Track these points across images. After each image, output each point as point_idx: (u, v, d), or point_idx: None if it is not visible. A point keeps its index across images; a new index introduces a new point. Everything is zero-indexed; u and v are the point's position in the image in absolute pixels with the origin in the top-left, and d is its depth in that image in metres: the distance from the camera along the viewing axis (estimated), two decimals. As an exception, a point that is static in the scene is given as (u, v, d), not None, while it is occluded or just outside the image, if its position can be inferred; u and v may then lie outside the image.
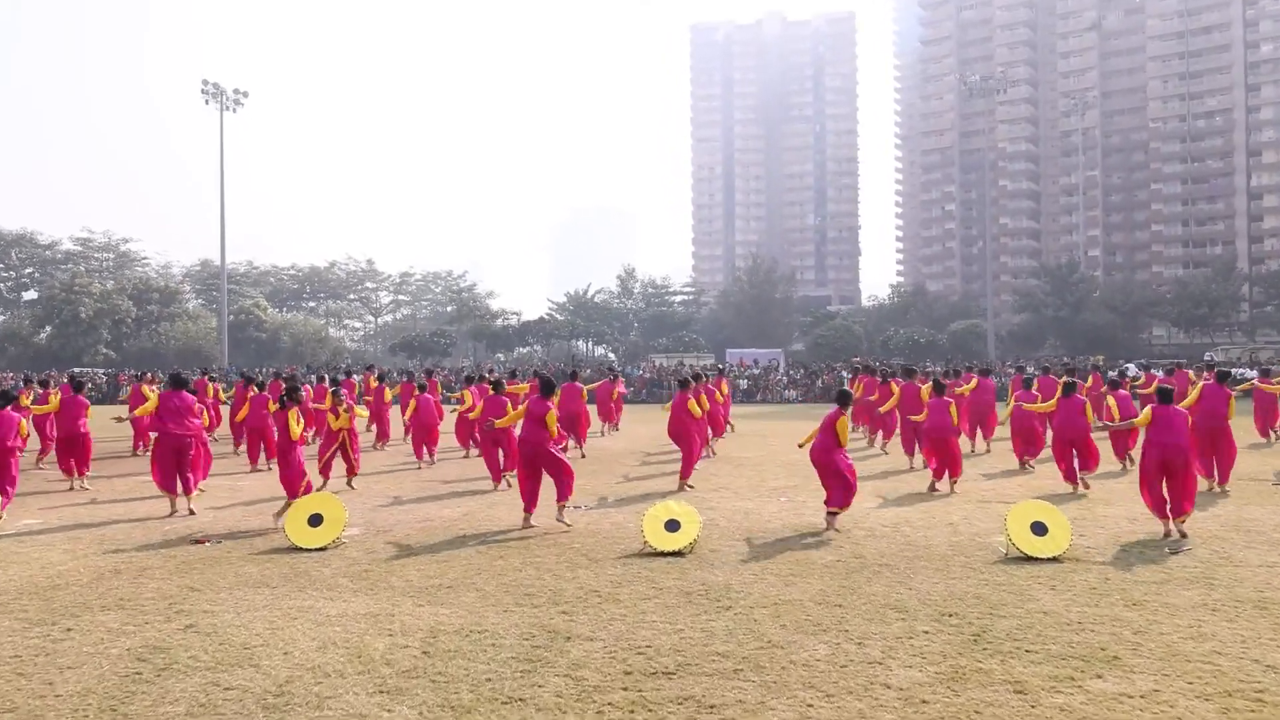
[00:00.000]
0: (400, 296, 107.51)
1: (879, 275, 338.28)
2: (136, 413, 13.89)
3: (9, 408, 11.47)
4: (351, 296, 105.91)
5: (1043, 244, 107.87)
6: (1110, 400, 14.93)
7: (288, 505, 10.12)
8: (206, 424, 13.65)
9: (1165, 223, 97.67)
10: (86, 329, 69.00)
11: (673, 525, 8.88)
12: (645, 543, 8.84)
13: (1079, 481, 12.72)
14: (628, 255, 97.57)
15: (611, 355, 78.89)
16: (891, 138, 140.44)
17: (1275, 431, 19.10)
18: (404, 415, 17.67)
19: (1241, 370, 37.80)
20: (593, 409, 21.61)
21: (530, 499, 10.30)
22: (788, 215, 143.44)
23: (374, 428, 20.77)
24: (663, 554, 8.64)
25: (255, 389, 17.37)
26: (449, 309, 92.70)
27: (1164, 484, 9.33)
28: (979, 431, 18.51)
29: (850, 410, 11.44)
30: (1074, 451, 12.76)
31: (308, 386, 22.00)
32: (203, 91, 62.16)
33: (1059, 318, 71.16)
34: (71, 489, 14.06)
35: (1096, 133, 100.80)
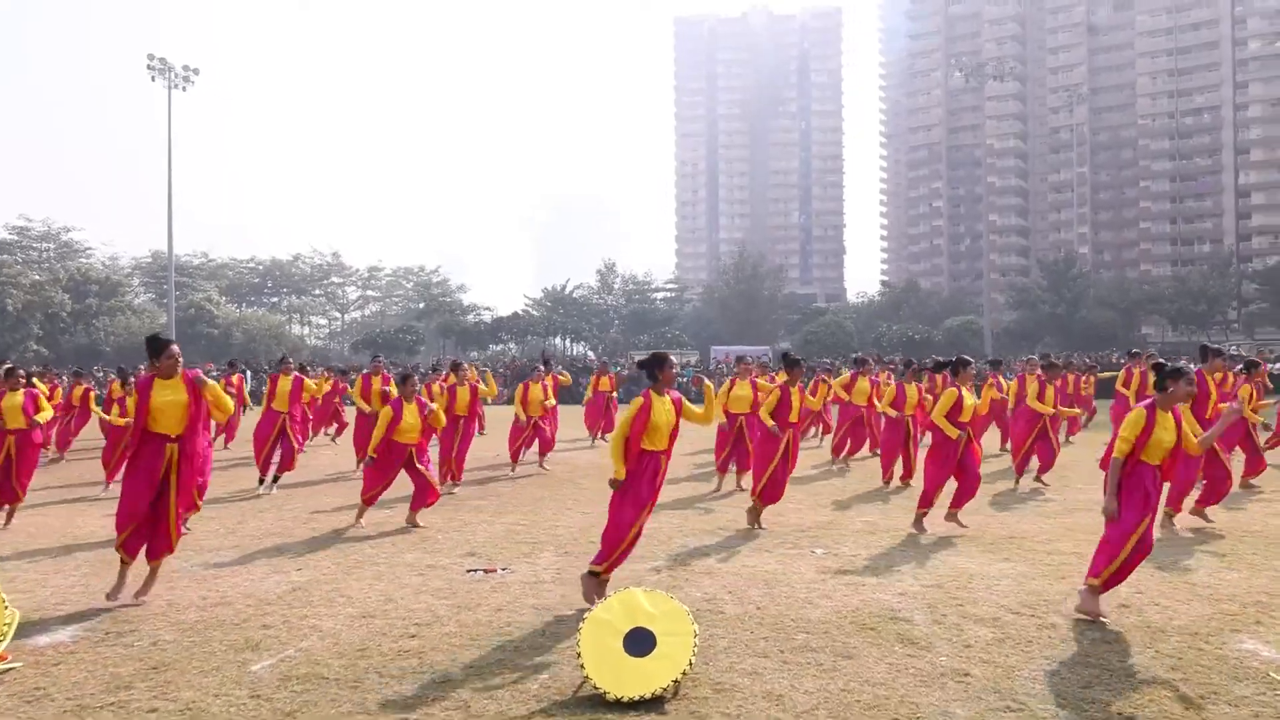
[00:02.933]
0: (369, 292, 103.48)
1: (863, 273, 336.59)
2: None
3: None
4: (316, 292, 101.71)
5: (1031, 242, 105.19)
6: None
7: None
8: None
9: (1154, 220, 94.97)
10: (14, 323, 63.87)
11: (640, 641, 4.52)
12: (586, 678, 4.50)
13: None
14: (612, 252, 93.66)
15: (590, 354, 75.24)
16: (877, 135, 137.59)
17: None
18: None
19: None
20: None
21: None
22: (772, 212, 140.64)
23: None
24: (621, 704, 4.33)
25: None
26: (420, 305, 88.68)
27: None
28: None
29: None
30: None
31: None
32: (149, 67, 57.59)
33: (1056, 314, 68.37)
34: None
35: (1085, 129, 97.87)
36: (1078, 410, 17.11)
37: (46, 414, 9.90)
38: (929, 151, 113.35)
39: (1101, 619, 5.64)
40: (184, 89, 58.89)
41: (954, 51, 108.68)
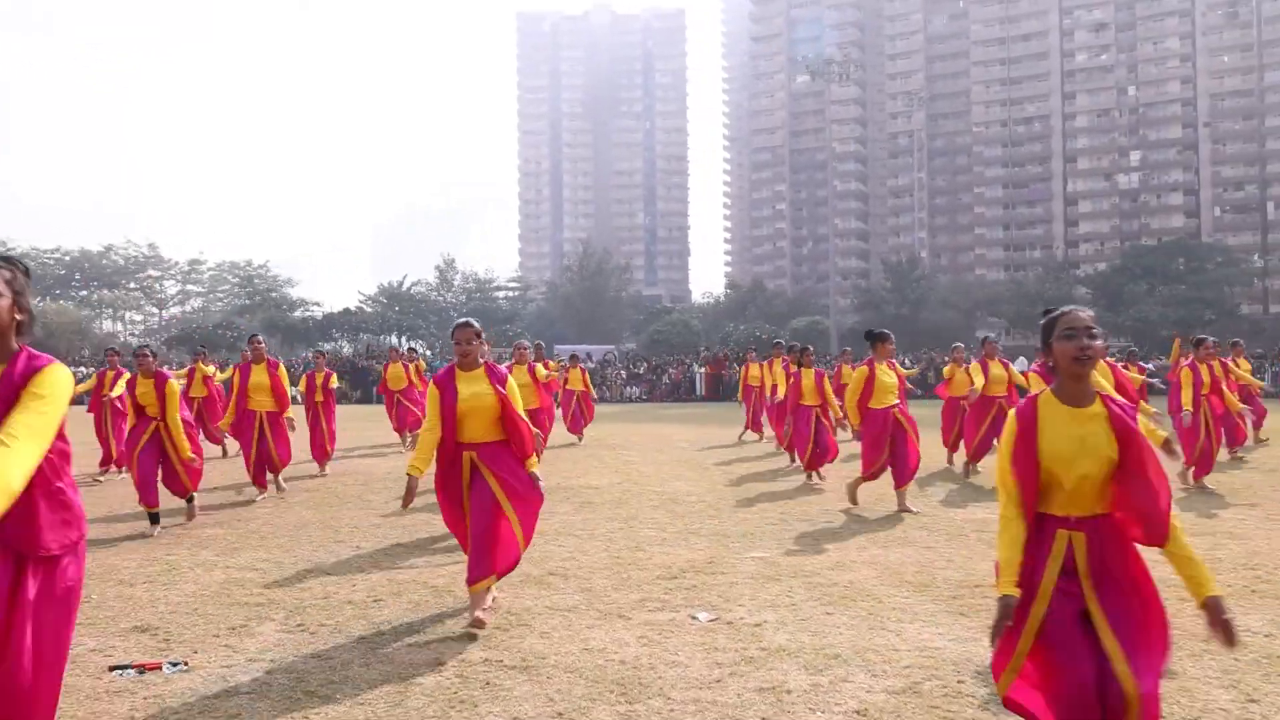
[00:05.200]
0: (190, 287, 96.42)
1: (707, 275, 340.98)
2: None
3: None
4: (131, 285, 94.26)
5: (871, 245, 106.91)
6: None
7: None
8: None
9: (988, 226, 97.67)
10: None
11: None
12: None
13: None
14: (456, 251, 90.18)
15: (428, 351, 71.64)
16: (720, 137, 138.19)
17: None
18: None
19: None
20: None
21: None
22: (617, 213, 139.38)
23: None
24: None
25: None
26: (247, 301, 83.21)
27: None
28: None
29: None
30: None
31: None
32: None
33: (900, 315, 68.76)
34: None
35: (923, 135, 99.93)
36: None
37: None
38: (772, 154, 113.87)
39: None
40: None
41: (796, 55, 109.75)
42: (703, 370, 37.39)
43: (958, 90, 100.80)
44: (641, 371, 39.70)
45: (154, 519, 7.87)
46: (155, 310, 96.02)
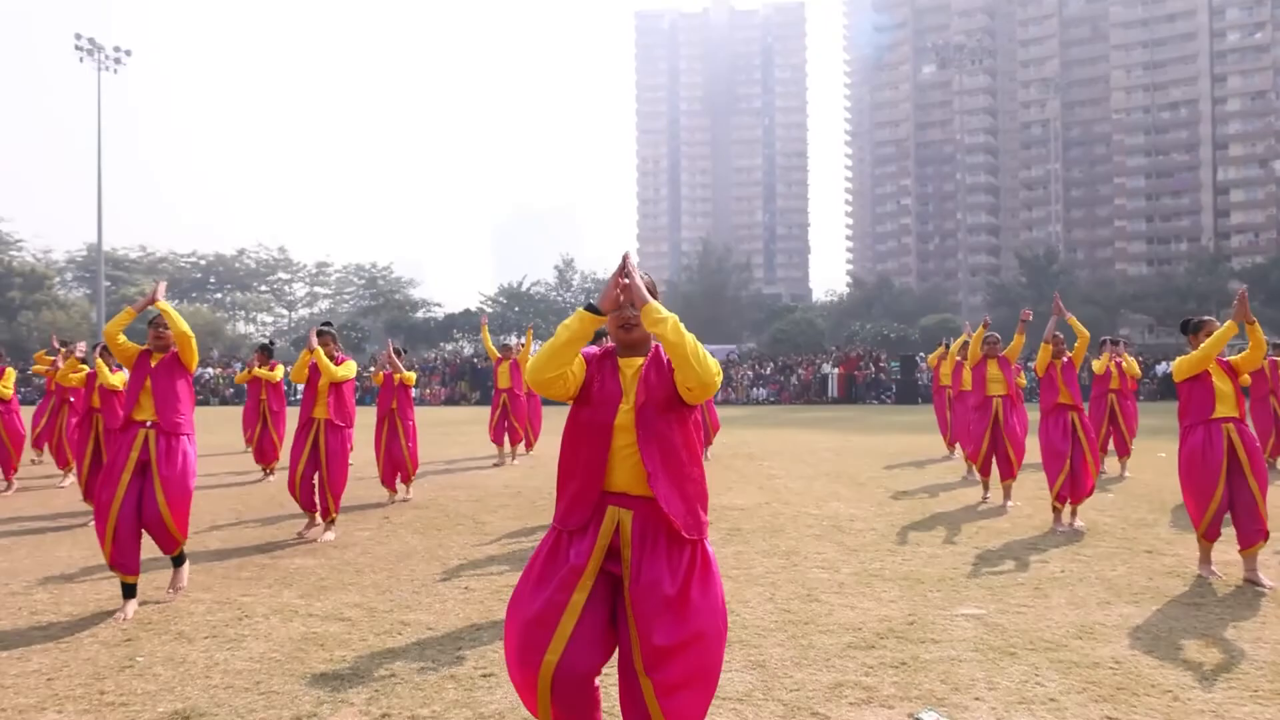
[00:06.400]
0: (318, 288, 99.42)
1: (826, 273, 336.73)
2: None
3: None
4: (262, 288, 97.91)
5: (1002, 240, 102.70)
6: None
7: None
8: None
9: (1129, 218, 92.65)
10: (-76, 318, 59.26)
11: None
12: None
13: None
14: (574, 251, 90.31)
15: (538, 343, 71.81)
16: (841, 131, 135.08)
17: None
18: None
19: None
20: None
21: None
22: (735, 211, 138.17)
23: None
24: None
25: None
26: (372, 302, 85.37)
27: None
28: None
29: None
30: None
31: None
32: (77, 48, 54.41)
33: (1036, 312, 65.47)
34: None
35: (1058, 124, 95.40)
36: None
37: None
38: (896, 147, 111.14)
39: None
40: (115, 71, 55.74)
41: (921, 45, 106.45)
42: (836, 370, 35.64)
43: (1095, 76, 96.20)
44: (768, 372, 38.12)
45: (129, 592, 5.38)
46: (285, 312, 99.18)
